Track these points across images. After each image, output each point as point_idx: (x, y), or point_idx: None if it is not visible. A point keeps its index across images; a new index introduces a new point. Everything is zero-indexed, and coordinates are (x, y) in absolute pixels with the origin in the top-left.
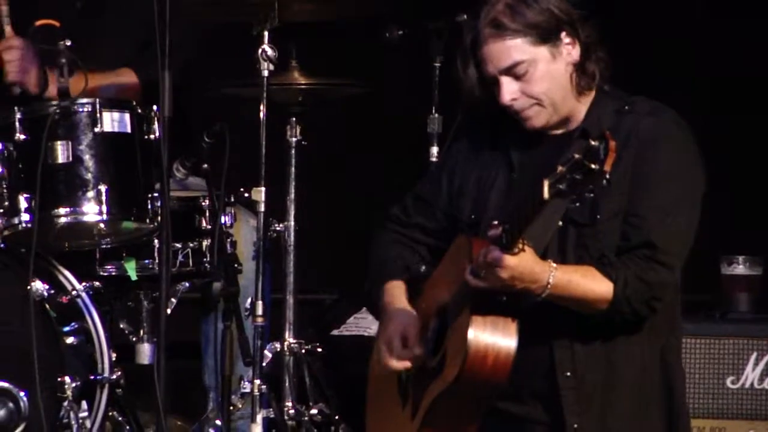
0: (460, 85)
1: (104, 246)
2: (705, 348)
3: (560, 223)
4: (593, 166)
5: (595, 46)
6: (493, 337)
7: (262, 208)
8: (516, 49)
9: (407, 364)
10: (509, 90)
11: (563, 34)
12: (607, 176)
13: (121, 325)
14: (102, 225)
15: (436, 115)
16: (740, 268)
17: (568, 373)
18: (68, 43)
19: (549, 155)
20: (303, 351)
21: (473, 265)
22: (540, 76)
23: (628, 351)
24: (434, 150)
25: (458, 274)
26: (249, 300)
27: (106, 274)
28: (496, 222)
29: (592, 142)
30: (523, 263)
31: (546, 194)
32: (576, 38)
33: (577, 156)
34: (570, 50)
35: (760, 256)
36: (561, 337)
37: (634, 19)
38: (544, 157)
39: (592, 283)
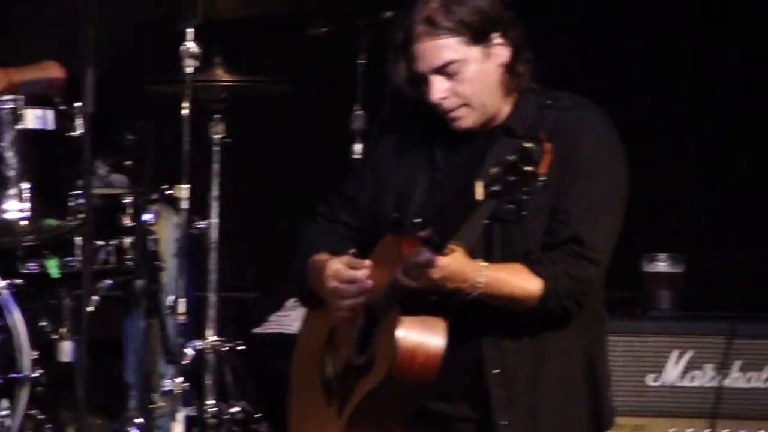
0: (387, 81)
1: (26, 243)
2: (626, 345)
3: (486, 220)
4: (528, 168)
5: (525, 47)
6: (423, 336)
7: (185, 205)
8: (448, 48)
9: (361, 299)
10: (439, 89)
11: (495, 35)
12: (541, 178)
13: (43, 323)
14: (24, 222)
15: (360, 111)
16: (662, 266)
17: (497, 370)
18: None
19: (473, 153)
20: (224, 349)
21: (404, 265)
22: (471, 76)
23: (556, 347)
24: (358, 147)
25: (385, 273)
26: (171, 297)
27: (27, 271)
28: (420, 220)
29: (526, 145)
30: (455, 263)
31: (479, 195)
32: (507, 39)
33: (511, 158)
34: (501, 51)
35: (682, 253)
36: (489, 334)
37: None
38: (468, 155)
39: (522, 281)
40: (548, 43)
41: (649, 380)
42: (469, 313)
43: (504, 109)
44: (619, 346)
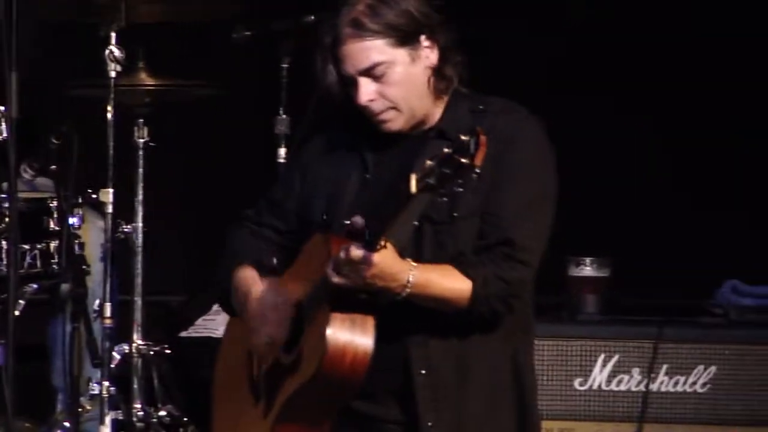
0: (316, 83)
1: None
2: (553, 349)
3: (416, 222)
4: (463, 160)
5: (453, 50)
6: (352, 335)
7: (110, 209)
8: (375, 50)
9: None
10: (366, 91)
11: (423, 37)
12: (477, 170)
13: None
14: None
15: (284, 116)
16: (588, 270)
17: (423, 371)
18: None
19: (404, 156)
20: (151, 352)
21: (333, 262)
22: (398, 78)
23: (481, 350)
24: (282, 151)
25: (314, 272)
26: (97, 301)
27: None
28: (357, 219)
29: (463, 137)
30: (385, 261)
31: (413, 188)
32: (435, 42)
33: (446, 150)
34: (429, 54)
35: (608, 257)
36: (416, 334)
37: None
38: (399, 157)
39: (451, 282)
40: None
41: (576, 384)
42: (397, 313)
43: (434, 112)
44: (546, 350)
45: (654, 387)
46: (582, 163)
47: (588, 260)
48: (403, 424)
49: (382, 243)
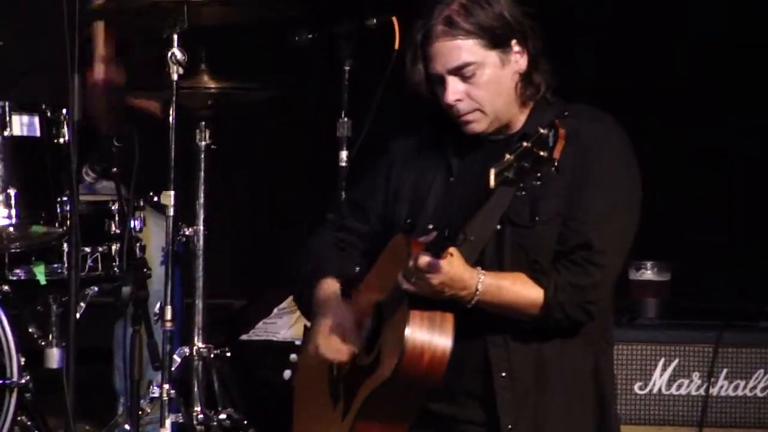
0: (406, 82)
1: (13, 250)
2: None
3: (498, 226)
4: (542, 153)
5: (542, 57)
6: (430, 335)
7: (171, 212)
8: (466, 49)
9: (344, 357)
10: (454, 90)
11: (514, 42)
12: (556, 164)
13: (30, 330)
14: (11, 229)
15: (346, 119)
16: (648, 274)
17: (503, 373)
18: None
19: (488, 160)
20: (212, 355)
21: (403, 270)
22: (486, 80)
23: (562, 354)
24: (343, 154)
25: (394, 272)
26: (158, 304)
27: (15, 278)
28: (431, 226)
29: (542, 130)
30: (453, 269)
31: (492, 182)
32: (525, 48)
33: (525, 144)
34: (518, 59)
35: (668, 261)
36: (496, 336)
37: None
38: (483, 162)
39: (522, 290)
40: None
41: (637, 388)
42: (476, 314)
43: (519, 118)
44: None
45: (714, 391)
46: (645, 166)
47: (649, 264)
48: (483, 425)
49: (450, 251)
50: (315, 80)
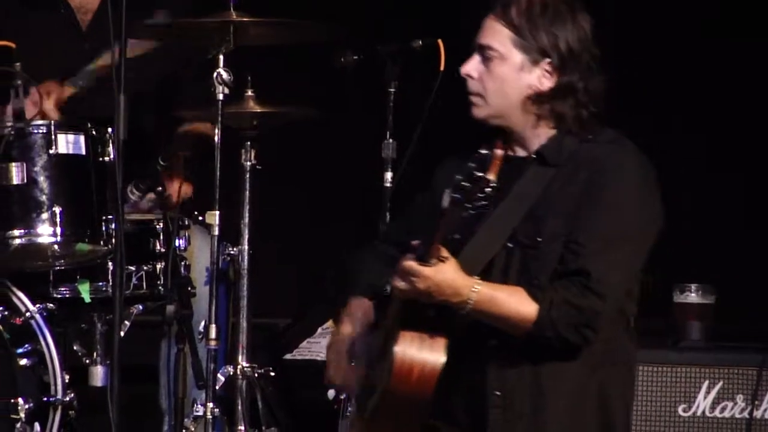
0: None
1: (58, 268)
2: (657, 376)
3: (510, 244)
4: (479, 174)
5: (580, 93)
6: (420, 352)
7: (216, 231)
8: (498, 34)
9: (338, 380)
10: (472, 65)
11: (547, 61)
12: (492, 184)
13: (75, 347)
14: (56, 246)
15: (391, 140)
16: (693, 296)
17: (498, 392)
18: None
19: (504, 179)
20: (256, 375)
21: (396, 272)
22: (499, 73)
23: (559, 377)
24: (388, 175)
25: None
26: (203, 323)
27: (59, 296)
28: (415, 242)
29: (482, 151)
30: (441, 275)
31: (444, 203)
32: (558, 74)
33: (469, 164)
34: (542, 77)
35: (713, 284)
36: (494, 356)
37: None
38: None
39: (516, 303)
40: None
41: (680, 411)
42: (474, 332)
43: (532, 134)
44: (650, 377)
45: (758, 414)
46: (688, 189)
47: (693, 287)
48: None
49: (442, 258)
50: (360, 102)
